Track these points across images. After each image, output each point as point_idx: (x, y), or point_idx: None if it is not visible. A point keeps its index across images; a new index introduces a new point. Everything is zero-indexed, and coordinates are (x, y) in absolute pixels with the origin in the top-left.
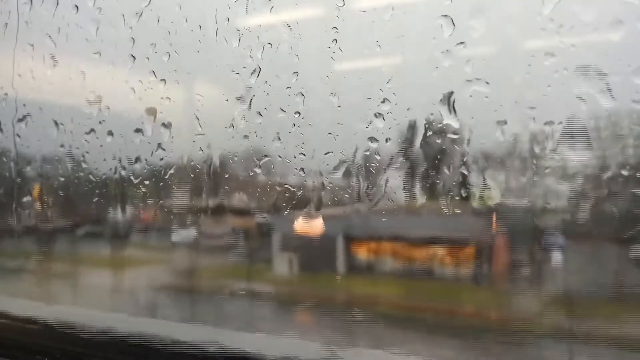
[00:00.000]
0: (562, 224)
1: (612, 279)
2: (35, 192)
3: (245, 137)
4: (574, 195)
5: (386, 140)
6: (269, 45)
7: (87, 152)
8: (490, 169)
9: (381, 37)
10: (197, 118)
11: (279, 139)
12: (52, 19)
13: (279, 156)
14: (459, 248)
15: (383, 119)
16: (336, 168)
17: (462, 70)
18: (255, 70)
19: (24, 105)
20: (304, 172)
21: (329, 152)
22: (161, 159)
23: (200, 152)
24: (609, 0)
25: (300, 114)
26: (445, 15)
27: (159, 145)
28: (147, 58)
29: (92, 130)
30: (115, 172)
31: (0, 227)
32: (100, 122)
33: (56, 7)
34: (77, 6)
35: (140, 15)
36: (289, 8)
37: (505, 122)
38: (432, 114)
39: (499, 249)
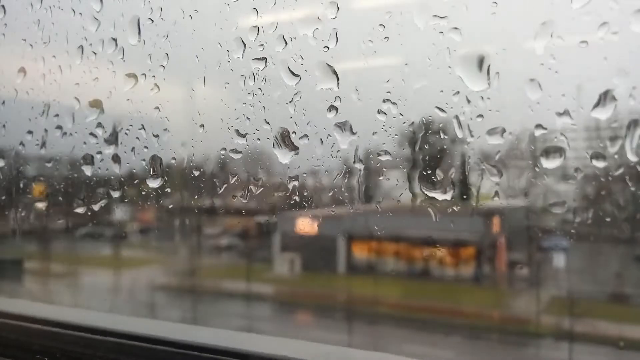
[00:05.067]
0: None
1: None
2: None
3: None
4: None
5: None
6: (269, 46)
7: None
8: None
9: (382, 37)
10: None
11: (280, 139)
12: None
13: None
14: None
15: (384, 118)
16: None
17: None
18: (255, 69)
19: None
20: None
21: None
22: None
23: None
24: None
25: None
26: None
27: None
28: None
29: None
30: None
31: None
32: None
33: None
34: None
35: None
36: (289, 8)
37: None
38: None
39: None
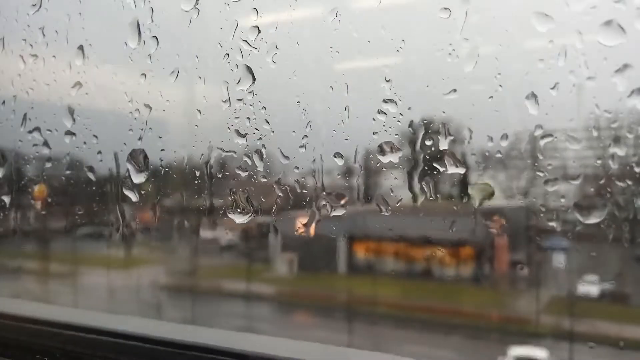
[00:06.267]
0: None
1: None
2: None
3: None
4: None
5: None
6: (270, 46)
7: None
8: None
9: (382, 36)
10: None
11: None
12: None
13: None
14: None
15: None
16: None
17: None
18: (255, 69)
19: None
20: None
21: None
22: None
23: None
24: None
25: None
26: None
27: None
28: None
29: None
30: None
31: None
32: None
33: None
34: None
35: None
36: (289, 8)
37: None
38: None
39: None
